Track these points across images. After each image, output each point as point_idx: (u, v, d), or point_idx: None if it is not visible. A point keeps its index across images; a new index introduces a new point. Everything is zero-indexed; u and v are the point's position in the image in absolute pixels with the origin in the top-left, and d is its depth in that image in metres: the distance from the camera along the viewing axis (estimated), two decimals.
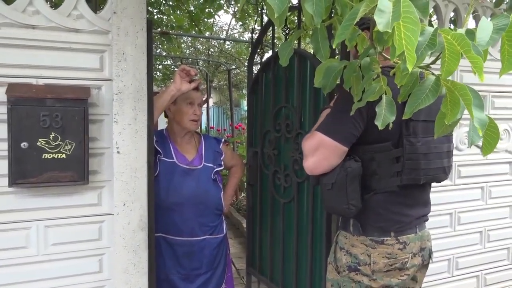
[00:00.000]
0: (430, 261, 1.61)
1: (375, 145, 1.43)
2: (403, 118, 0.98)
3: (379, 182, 1.45)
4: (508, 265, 2.56)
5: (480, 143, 0.94)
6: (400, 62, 0.90)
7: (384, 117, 0.99)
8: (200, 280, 2.11)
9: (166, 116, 2.17)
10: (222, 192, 2.20)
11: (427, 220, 1.60)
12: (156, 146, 1.96)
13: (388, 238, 1.46)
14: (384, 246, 1.46)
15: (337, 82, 1.27)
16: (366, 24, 1.33)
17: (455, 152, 2.26)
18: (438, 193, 2.23)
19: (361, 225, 1.48)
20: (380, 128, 1.02)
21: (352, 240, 1.51)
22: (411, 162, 1.43)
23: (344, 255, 1.52)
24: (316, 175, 1.47)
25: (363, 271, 1.46)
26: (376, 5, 0.70)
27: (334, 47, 0.90)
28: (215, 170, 2.15)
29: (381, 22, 0.70)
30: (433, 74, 0.92)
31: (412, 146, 1.42)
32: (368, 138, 1.40)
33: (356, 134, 1.39)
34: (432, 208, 2.21)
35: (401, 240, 1.47)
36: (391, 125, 1.03)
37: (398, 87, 0.98)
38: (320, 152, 1.40)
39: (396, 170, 1.44)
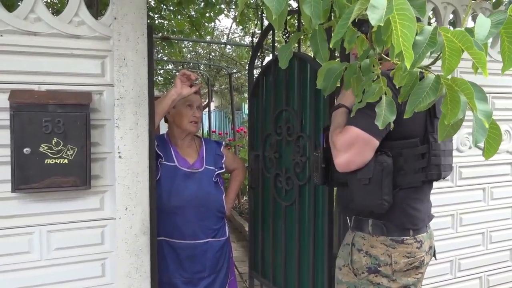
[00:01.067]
0: (434, 259, 1.65)
1: (403, 141, 1.44)
2: (404, 117, 0.98)
3: (405, 177, 1.46)
4: (511, 266, 2.55)
5: (483, 144, 0.94)
6: (399, 62, 0.90)
7: (384, 117, 0.99)
8: (203, 284, 2.11)
9: (166, 121, 2.18)
10: (224, 195, 2.21)
11: (433, 217, 1.62)
12: (157, 150, 1.97)
13: (408, 237, 1.48)
14: (404, 245, 1.47)
15: (337, 85, 1.27)
16: (366, 27, 1.34)
17: (457, 153, 2.27)
18: (439, 195, 2.23)
19: (384, 225, 1.49)
20: (380, 128, 1.03)
21: (371, 241, 1.50)
22: (435, 159, 1.47)
23: (364, 256, 1.51)
24: (347, 171, 1.45)
25: (384, 272, 1.46)
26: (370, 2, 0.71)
27: (331, 46, 0.90)
28: (216, 172, 2.16)
29: (374, 17, 0.71)
30: (432, 73, 0.93)
31: (436, 143, 1.46)
32: (396, 134, 1.40)
33: (388, 128, 1.40)
34: (434, 209, 2.21)
35: (418, 239, 1.50)
36: (391, 125, 1.03)
37: (397, 87, 0.98)
38: (355, 147, 1.40)
39: (421, 166, 1.46)
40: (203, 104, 2.20)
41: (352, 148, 1.40)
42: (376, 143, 1.40)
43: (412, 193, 1.49)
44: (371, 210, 1.46)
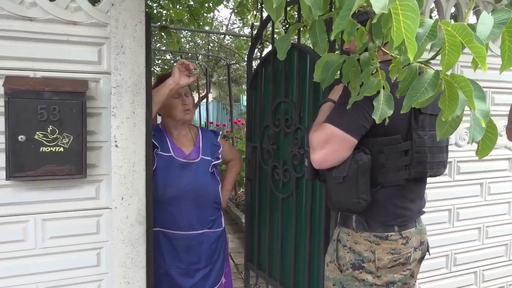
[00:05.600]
0: (428, 254, 1.62)
1: (384, 138, 1.41)
2: (401, 112, 0.97)
3: (386, 175, 1.43)
4: (506, 261, 2.56)
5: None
6: (399, 56, 0.89)
7: (382, 111, 0.98)
8: (200, 275, 2.11)
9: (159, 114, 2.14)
10: (220, 186, 2.20)
11: (423, 213, 1.60)
12: (153, 140, 1.94)
13: (392, 233, 1.45)
14: (388, 242, 1.45)
15: (337, 77, 1.26)
16: (361, 17, 1.32)
17: (455, 148, 2.27)
18: (437, 189, 2.23)
19: (366, 221, 1.46)
20: (377, 122, 1.01)
21: (355, 237, 1.49)
22: (419, 156, 1.42)
23: (347, 252, 1.49)
24: (323, 168, 1.44)
25: (368, 268, 1.45)
26: None
27: (332, 38, 0.89)
28: (212, 163, 2.15)
29: (377, 5, 0.69)
30: (432, 69, 0.91)
31: (420, 139, 1.42)
32: (377, 131, 1.38)
33: (367, 126, 1.37)
34: (431, 204, 2.21)
35: (404, 235, 1.47)
36: (387, 120, 1.02)
37: (396, 80, 0.97)
38: (330, 145, 1.37)
39: (404, 163, 1.43)
40: (201, 95, 2.17)
41: (326, 146, 1.38)
42: (353, 141, 1.37)
43: (398, 191, 1.46)
44: (348, 208, 1.44)
